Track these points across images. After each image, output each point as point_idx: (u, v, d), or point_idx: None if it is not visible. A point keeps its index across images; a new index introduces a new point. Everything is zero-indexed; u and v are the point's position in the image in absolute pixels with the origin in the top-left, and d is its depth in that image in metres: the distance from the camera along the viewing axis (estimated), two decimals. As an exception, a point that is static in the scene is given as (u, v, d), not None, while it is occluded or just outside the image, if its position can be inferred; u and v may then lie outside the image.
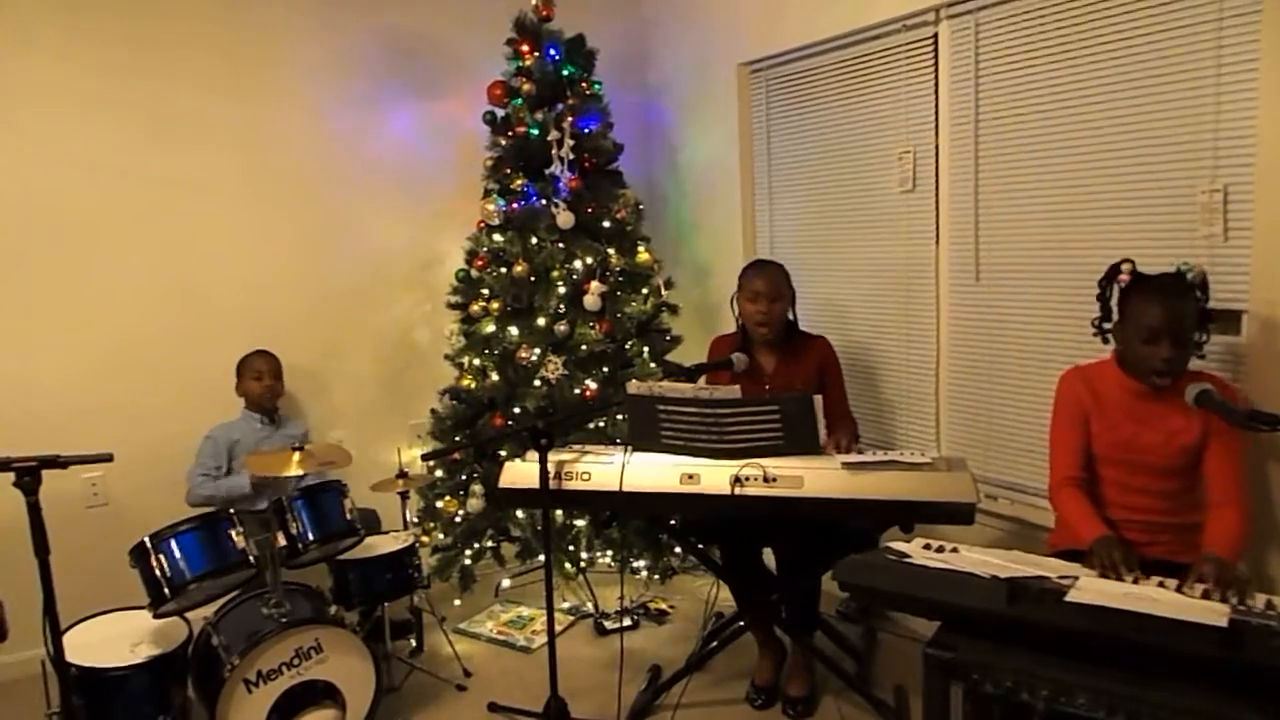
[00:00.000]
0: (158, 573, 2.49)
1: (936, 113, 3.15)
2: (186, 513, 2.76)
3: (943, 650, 1.80)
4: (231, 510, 2.72)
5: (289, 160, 3.76)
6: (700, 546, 3.09)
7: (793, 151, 3.82)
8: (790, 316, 3.09)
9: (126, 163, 3.42)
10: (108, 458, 2.12)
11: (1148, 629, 1.61)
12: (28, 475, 1.98)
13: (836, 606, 3.51)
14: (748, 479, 2.50)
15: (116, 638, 2.59)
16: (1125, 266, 2.27)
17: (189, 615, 2.69)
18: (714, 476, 2.54)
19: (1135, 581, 1.86)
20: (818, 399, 2.60)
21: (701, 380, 2.99)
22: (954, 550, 2.03)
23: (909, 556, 1.99)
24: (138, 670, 2.48)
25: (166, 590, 2.50)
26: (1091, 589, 1.76)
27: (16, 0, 3.20)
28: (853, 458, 2.55)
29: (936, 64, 3.13)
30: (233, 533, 2.64)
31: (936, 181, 3.19)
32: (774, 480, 2.49)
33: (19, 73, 3.23)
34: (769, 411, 2.58)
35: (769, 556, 3.06)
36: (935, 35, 3.12)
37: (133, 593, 2.56)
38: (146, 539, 2.52)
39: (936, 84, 3.14)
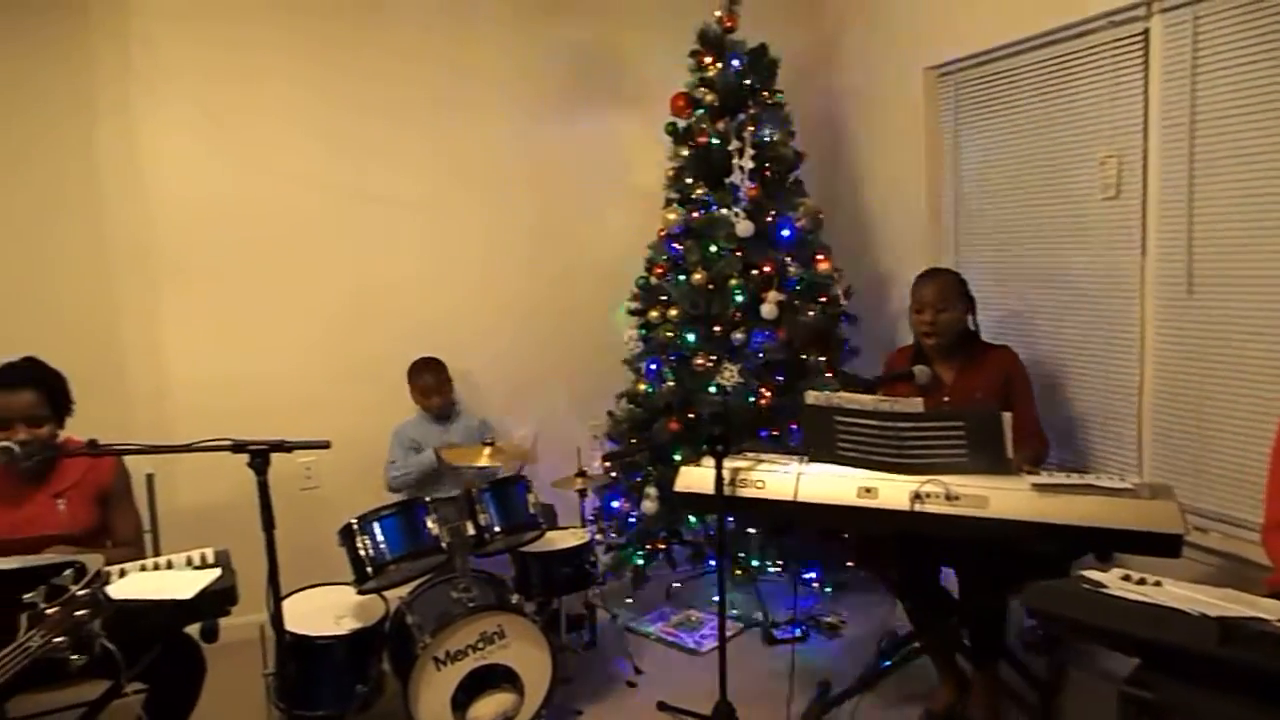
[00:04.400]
0: (362, 552, 2.71)
1: (1145, 114, 2.95)
2: (386, 499, 2.98)
3: (1141, 690, 1.69)
4: (428, 498, 2.92)
5: (480, 172, 4.02)
6: (876, 562, 3.02)
7: (982, 157, 3.67)
8: (971, 325, 2.98)
9: (337, 179, 3.77)
10: (326, 444, 2.29)
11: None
12: (259, 457, 2.20)
13: (1019, 635, 3.33)
14: (928, 496, 2.43)
15: (323, 610, 2.82)
16: None
17: (385, 594, 2.90)
18: (892, 491, 2.48)
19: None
20: (1007, 416, 2.49)
21: (880, 392, 2.93)
22: (1156, 583, 1.89)
23: (1106, 586, 1.87)
24: (342, 641, 2.70)
25: (369, 569, 2.71)
26: (1320, 636, 1.60)
27: (259, 38, 3.61)
28: (1044, 479, 2.42)
29: (1146, 62, 2.93)
30: (429, 519, 2.84)
31: (1145, 187, 2.98)
32: (956, 498, 2.40)
33: (259, 98, 3.63)
34: (954, 426, 2.50)
35: (948, 577, 2.96)
36: (1145, 31, 2.92)
37: (333, 569, 2.77)
38: (354, 521, 2.75)
39: (1146, 83, 2.94)
